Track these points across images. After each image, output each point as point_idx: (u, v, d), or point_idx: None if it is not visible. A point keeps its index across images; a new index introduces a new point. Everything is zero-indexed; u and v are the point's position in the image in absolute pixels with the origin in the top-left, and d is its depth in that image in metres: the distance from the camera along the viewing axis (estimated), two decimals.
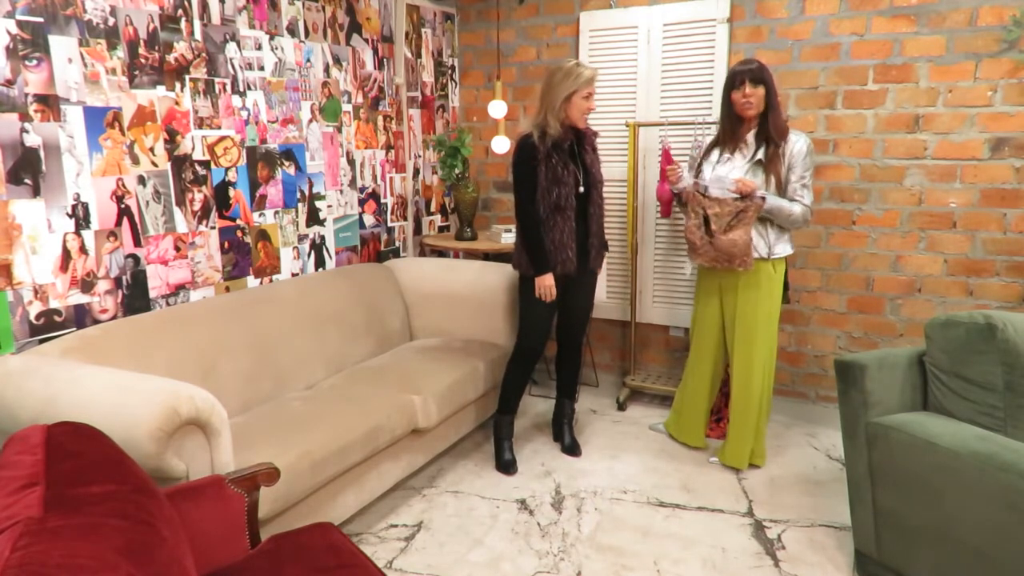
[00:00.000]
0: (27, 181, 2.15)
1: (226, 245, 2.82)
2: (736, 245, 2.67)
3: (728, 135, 2.79)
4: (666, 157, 3.36)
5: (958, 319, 2.02)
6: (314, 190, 3.23)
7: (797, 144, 2.68)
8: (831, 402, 3.42)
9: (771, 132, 2.69)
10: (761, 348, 2.83)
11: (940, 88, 3.00)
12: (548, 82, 2.73)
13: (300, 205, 3.16)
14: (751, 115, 2.70)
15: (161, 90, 2.51)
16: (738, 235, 2.66)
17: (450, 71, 4.14)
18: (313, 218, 3.25)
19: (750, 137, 2.75)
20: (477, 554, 2.38)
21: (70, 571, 0.97)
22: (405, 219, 3.90)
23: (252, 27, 2.84)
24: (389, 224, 3.78)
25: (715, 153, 2.82)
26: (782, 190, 2.70)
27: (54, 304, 2.24)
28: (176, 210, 2.60)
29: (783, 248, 2.77)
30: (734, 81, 2.69)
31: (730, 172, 2.72)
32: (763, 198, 2.64)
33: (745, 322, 2.82)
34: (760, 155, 2.70)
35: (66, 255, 2.27)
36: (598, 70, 2.78)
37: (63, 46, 2.20)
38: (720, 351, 3.00)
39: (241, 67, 2.81)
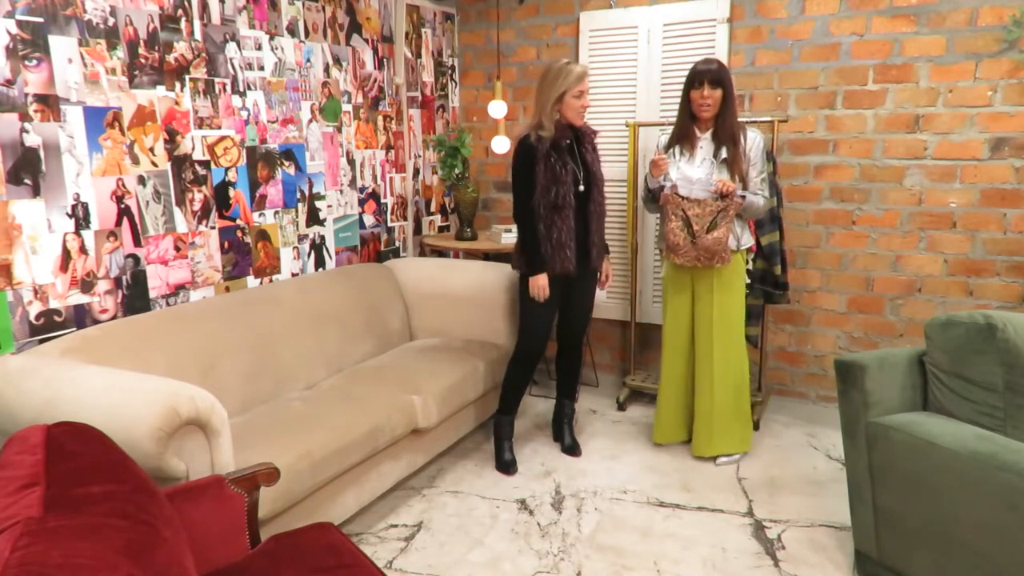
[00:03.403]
0: (27, 181, 2.15)
1: (226, 245, 2.82)
2: (719, 243, 2.74)
3: (682, 132, 2.84)
4: None
5: (958, 319, 2.02)
6: (314, 190, 3.23)
7: (756, 140, 2.78)
8: (831, 402, 3.42)
9: (723, 133, 2.74)
10: (737, 334, 2.92)
11: (940, 88, 3.00)
12: (540, 84, 2.76)
13: (300, 205, 3.17)
14: (707, 116, 2.77)
15: (161, 90, 2.51)
16: (721, 233, 2.74)
17: (450, 71, 4.14)
18: (313, 218, 3.25)
19: (707, 136, 2.80)
20: (477, 554, 2.38)
21: (70, 571, 0.97)
22: (405, 219, 3.90)
23: (252, 27, 2.84)
24: (389, 224, 3.78)
25: (676, 152, 2.86)
26: (744, 185, 2.78)
27: (54, 304, 2.24)
28: (176, 210, 2.60)
29: (748, 239, 2.90)
30: (693, 81, 2.75)
31: (710, 174, 2.76)
32: (743, 196, 2.73)
33: (723, 312, 2.88)
34: (724, 155, 2.75)
35: (66, 255, 2.27)
36: (588, 66, 2.81)
37: (63, 46, 2.20)
38: (692, 344, 3.03)
39: (241, 67, 2.81)
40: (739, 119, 2.81)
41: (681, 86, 3.47)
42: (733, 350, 2.92)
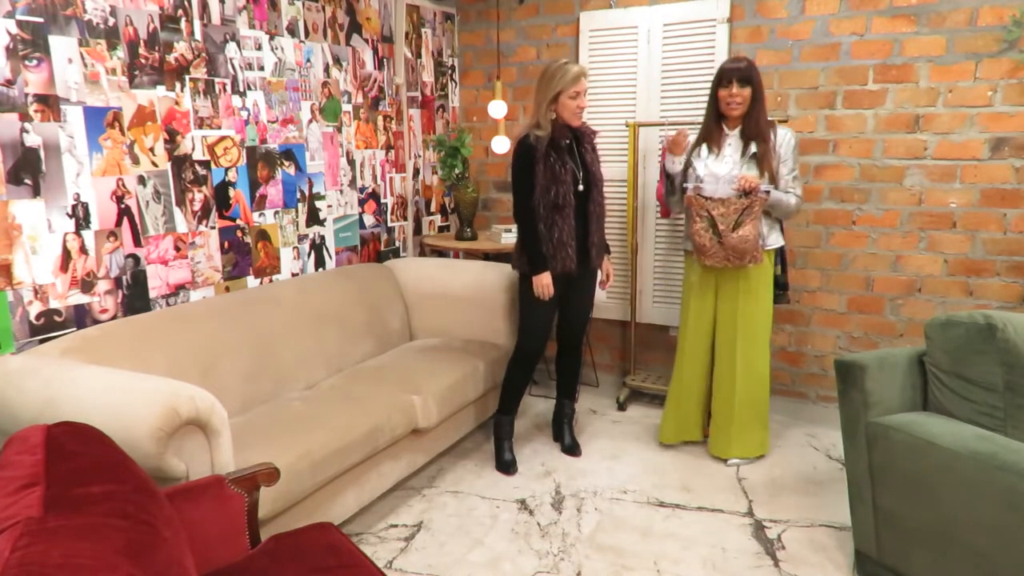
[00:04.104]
0: (27, 181, 2.15)
1: (226, 245, 2.82)
2: (747, 241, 2.70)
3: (710, 130, 2.83)
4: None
5: (958, 319, 2.02)
6: (314, 190, 3.23)
7: (786, 137, 2.76)
8: (831, 402, 3.42)
9: (752, 131, 2.73)
10: (762, 338, 2.88)
11: (940, 88, 3.00)
12: (538, 83, 2.76)
13: (300, 205, 3.17)
14: (736, 114, 2.75)
15: (161, 90, 2.51)
16: (748, 231, 2.70)
17: (450, 71, 4.14)
18: (313, 218, 3.25)
19: (735, 134, 2.79)
20: (477, 554, 2.38)
21: (70, 571, 0.97)
22: (405, 219, 3.90)
23: (252, 27, 2.84)
24: (389, 224, 3.78)
25: (703, 151, 2.84)
26: (775, 183, 2.75)
27: (54, 304, 2.24)
28: (176, 210, 2.60)
29: (776, 239, 2.85)
30: (721, 79, 2.74)
31: (731, 170, 2.74)
32: (767, 192, 2.69)
33: (748, 313, 2.85)
34: (753, 151, 2.73)
35: (66, 255, 2.27)
36: (586, 67, 2.79)
37: (63, 46, 2.20)
38: (712, 344, 3.01)
39: (241, 67, 2.81)
40: (767, 115, 2.78)
41: (681, 86, 3.51)
42: (757, 354, 2.89)
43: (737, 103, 2.72)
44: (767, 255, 2.83)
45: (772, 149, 2.73)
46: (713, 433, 3.05)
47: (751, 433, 2.97)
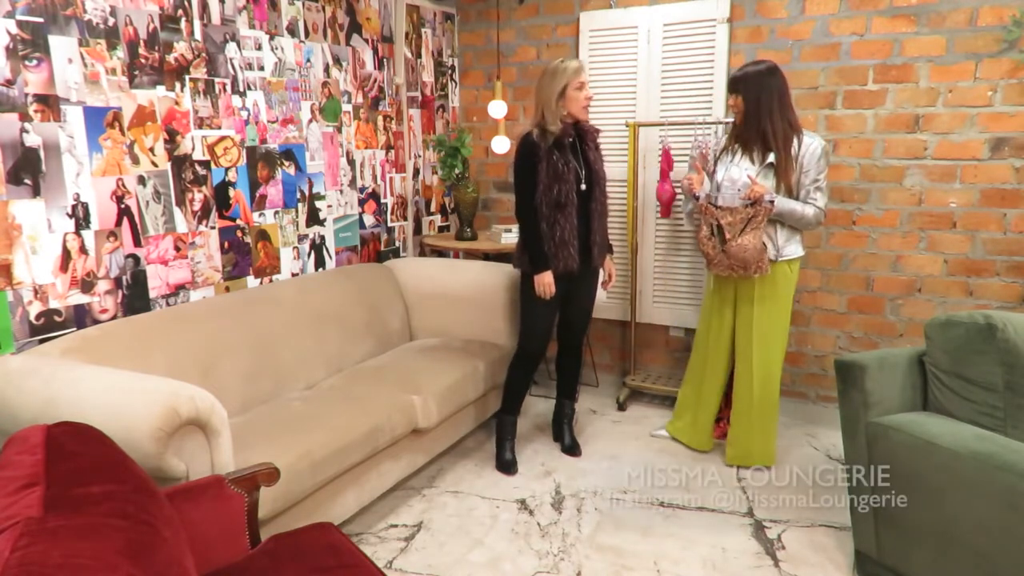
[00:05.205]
0: (27, 181, 2.15)
1: (226, 245, 2.82)
2: (747, 250, 2.65)
3: (732, 136, 2.83)
4: (666, 157, 3.37)
5: (958, 319, 2.02)
6: (314, 190, 3.23)
7: (811, 147, 2.66)
8: (831, 402, 3.42)
9: (751, 140, 2.70)
10: (777, 347, 2.84)
11: (940, 88, 3.00)
12: (540, 84, 2.76)
13: (300, 205, 3.17)
14: (737, 122, 2.75)
15: (161, 90, 2.51)
16: (747, 240, 2.65)
17: (450, 71, 4.14)
18: (313, 218, 3.25)
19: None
20: (477, 554, 2.38)
21: (70, 571, 0.97)
22: (405, 219, 3.90)
23: (252, 27, 2.84)
24: (389, 224, 3.78)
25: (727, 155, 2.82)
26: (794, 193, 2.69)
27: (54, 304, 2.24)
28: (176, 210, 2.60)
29: (793, 250, 2.76)
30: None
31: (742, 176, 2.72)
32: (771, 202, 2.63)
33: (763, 322, 2.81)
34: (771, 159, 2.68)
35: (66, 255, 2.27)
36: (584, 62, 2.84)
37: (63, 46, 2.20)
38: (731, 353, 2.98)
39: (241, 67, 2.81)
40: (785, 124, 2.66)
41: (681, 86, 3.51)
42: (771, 366, 2.85)
43: (734, 112, 2.73)
44: (788, 265, 2.76)
45: (794, 158, 2.65)
46: (730, 443, 2.99)
47: (768, 441, 2.91)
